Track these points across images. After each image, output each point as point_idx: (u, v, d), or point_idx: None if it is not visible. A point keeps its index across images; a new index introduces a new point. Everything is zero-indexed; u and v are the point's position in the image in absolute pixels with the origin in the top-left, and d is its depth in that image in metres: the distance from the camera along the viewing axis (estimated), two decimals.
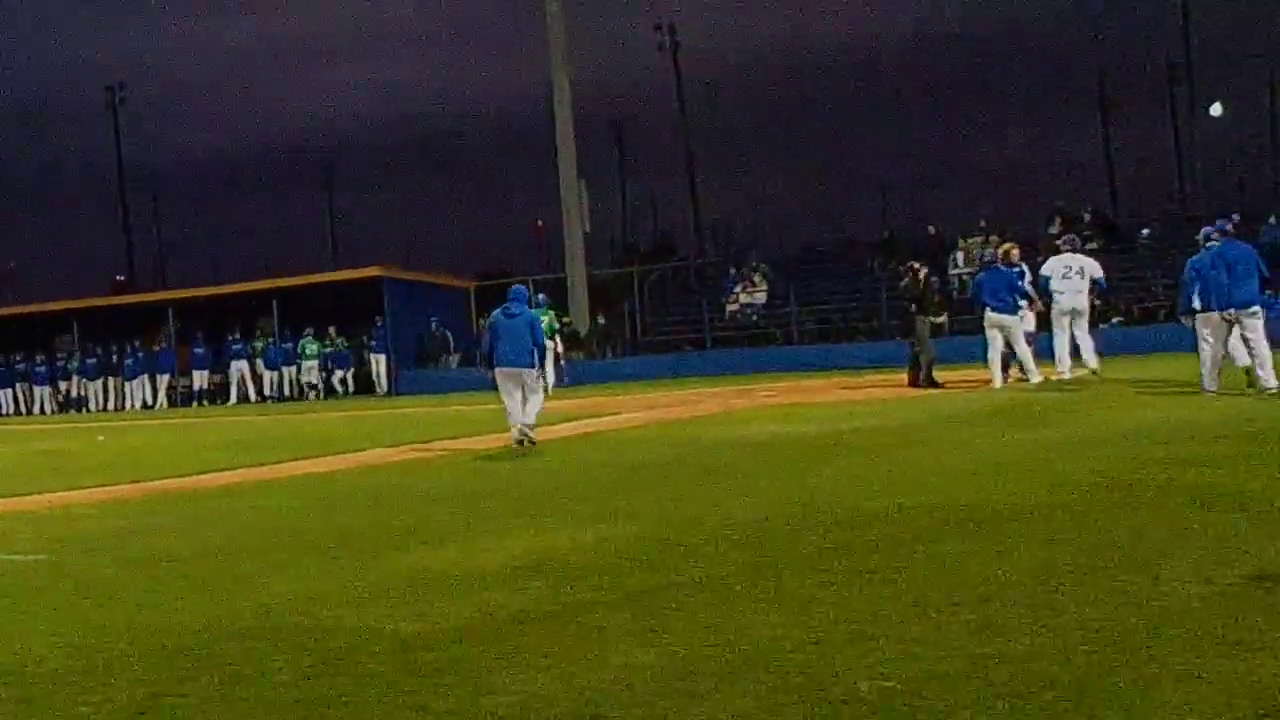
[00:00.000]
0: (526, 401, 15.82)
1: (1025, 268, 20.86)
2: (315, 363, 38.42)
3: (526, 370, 15.85)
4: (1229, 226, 17.07)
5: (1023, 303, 20.12)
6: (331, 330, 38.57)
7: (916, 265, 22.70)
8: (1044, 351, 20.15)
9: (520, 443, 15.64)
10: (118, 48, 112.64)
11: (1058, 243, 21.16)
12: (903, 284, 23.17)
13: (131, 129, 72.17)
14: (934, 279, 23.74)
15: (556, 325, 29.28)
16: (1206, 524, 7.61)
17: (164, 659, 6.13)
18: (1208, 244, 16.65)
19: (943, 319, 23.22)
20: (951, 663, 5.13)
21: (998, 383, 19.98)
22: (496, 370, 15.94)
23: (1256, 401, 14.96)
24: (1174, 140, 53.15)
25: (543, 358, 17.05)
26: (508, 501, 10.95)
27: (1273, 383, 15.72)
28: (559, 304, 36.27)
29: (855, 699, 4.80)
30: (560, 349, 29.21)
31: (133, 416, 35.54)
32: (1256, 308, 16.02)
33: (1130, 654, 5.09)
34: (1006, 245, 21.80)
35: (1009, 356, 20.17)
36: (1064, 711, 4.50)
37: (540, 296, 30.46)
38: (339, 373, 38.40)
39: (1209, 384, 16.04)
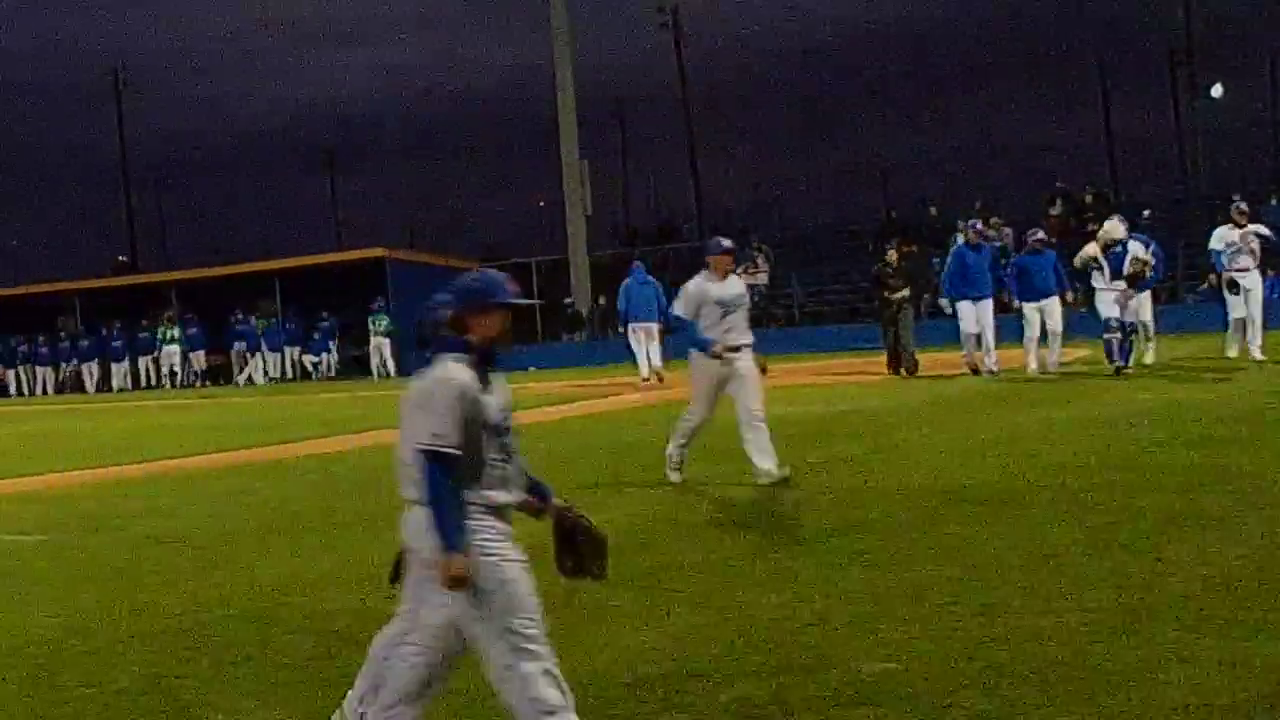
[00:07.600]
0: (653, 351, 22.08)
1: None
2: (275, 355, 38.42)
3: (654, 324, 22.00)
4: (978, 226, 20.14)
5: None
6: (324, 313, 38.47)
7: (898, 242, 22.11)
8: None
9: (647, 380, 21.74)
10: (121, 29, 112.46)
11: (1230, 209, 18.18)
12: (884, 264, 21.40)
13: (134, 110, 71.87)
14: (903, 254, 21.67)
15: (393, 327, 34.01)
16: (1206, 505, 7.61)
17: (166, 640, 6.14)
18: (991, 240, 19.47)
19: (902, 295, 20.38)
20: (953, 644, 5.13)
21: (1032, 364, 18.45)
22: (632, 324, 22.41)
23: (1256, 383, 14.94)
24: (1175, 121, 53.03)
25: (666, 317, 19.65)
26: None
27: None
28: (558, 282, 40.41)
29: (857, 680, 4.80)
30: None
31: (136, 397, 35.51)
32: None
33: (1132, 636, 5.10)
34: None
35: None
36: (1065, 694, 4.50)
37: (379, 300, 34.97)
38: (309, 357, 38.24)
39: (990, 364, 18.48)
